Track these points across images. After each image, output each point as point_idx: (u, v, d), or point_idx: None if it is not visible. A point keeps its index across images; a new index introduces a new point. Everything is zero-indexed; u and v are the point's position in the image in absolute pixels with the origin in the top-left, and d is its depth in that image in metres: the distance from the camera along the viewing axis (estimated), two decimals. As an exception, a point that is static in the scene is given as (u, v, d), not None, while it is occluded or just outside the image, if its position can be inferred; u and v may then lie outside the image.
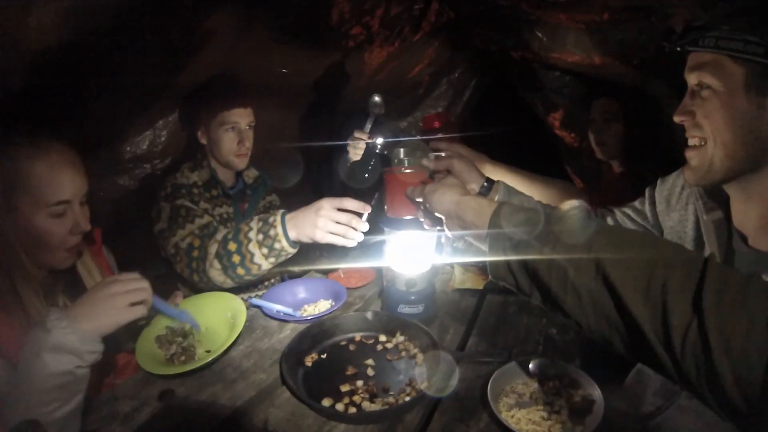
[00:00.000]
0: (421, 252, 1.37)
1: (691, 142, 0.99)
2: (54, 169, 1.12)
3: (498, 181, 1.03)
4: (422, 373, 1.17)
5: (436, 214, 1.07)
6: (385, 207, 1.31)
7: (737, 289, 0.62)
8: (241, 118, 1.80)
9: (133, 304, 1.10)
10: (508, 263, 0.85)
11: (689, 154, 0.99)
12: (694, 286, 0.63)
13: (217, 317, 1.40)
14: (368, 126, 1.91)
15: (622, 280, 0.69)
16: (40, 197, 1.11)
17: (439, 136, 1.29)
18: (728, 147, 0.91)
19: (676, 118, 0.99)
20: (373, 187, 1.35)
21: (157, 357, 1.26)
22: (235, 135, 1.80)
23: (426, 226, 1.15)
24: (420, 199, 1.12)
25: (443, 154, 1.23)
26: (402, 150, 1.26)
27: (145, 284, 1.14)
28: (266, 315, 1.50)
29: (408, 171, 1.21)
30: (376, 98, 1.29)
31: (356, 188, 1.92)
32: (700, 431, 1.00)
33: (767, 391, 0.56)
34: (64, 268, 1.24)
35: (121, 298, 1.08)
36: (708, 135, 0.93)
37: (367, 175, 1.45)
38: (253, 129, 1.87)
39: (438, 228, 1.11)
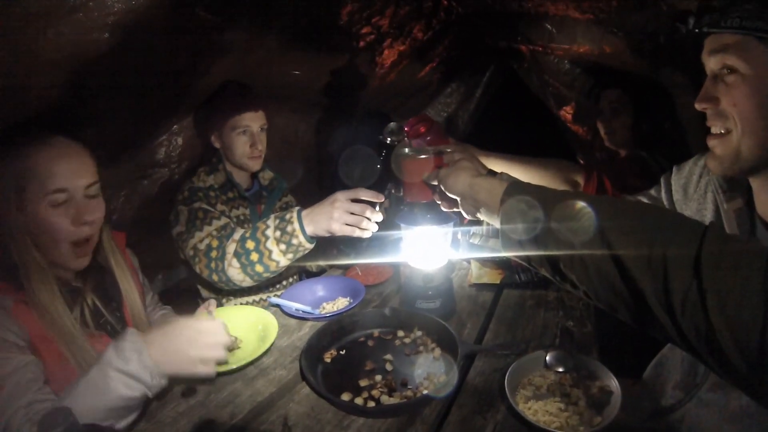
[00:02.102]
0: (437, 247, 1.38)
1: (713, 130, 0.93)
2: (52, 160, 1.14)
3: (501, 172, 1.04)
4: (440, 367, 1.19)
5: (451, 196, 1.09)
6: (403, 193, 1.33)
7: (734, 253, 0.63)
8: (253, 121, 1.81)
9: (205, 361, 1.08)
10: (518, 239, 0.87)
11: (712, 143, 0.93)
12: (694, 251, 0.64)
13: (248, 328, 1.42)
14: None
15: (625, 249, 0.71)
16: (40, 186, 1.12)
17: (428, 139, 1.30)
18: (759, 135, 0.86)
19: (698, 106, 0.93)
20: (384, 180, 1.36)
21: None
22: (247, 138, 1.82)
23: (443, 209, 1.17)
24: (436, 183, 1.14)
25: (448, 150, 1.24)
26: (407, 148, 1.27)
27: (225, 339, 1.12)
28: (285, 313, 1.52)
29: (423, 157, 1.23)
30: (393, 125, 1.28)
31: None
32: (722, 425, 1.00)
33: (765, 352, 0.57)
34: (79, 268, 1.25)
35: (197, 350, 1.07)
36: (735, 123, 0.87)
37: (367, 173, 1.46)
38: (266, 132, 1.88)
39: (454, 210, 1.13)
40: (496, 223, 0.94)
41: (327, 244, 1.50)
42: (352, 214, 1.41)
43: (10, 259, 1.12)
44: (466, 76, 3.04)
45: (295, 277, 2.03)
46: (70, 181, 1.15)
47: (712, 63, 0.91)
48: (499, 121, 3.32)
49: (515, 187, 0.93)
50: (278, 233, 1.47)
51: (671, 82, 1.99)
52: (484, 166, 1.12)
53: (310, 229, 1.45)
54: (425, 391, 1.08)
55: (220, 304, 1.82)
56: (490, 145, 1.56)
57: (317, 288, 1.67)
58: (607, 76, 2.23)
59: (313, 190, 2.68)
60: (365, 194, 1.40)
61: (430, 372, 1.16)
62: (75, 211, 1.17)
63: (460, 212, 1.13)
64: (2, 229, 1.11)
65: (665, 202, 1.24)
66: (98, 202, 1.23)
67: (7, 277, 1.13)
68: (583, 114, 2.71)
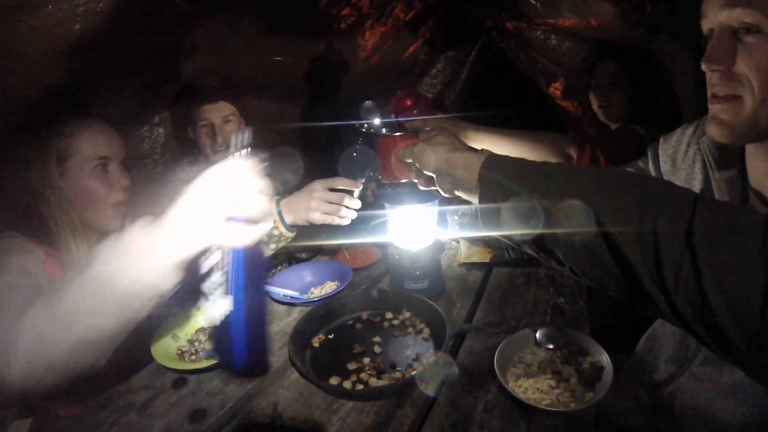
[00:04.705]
0: (422, 227, 1.37)
1: (719, 92, 0.83)
2: (94, 135, 1.34)
3: (482, 149, 0.99)
4: (429, 348, 1.18)
5: (427, 173, 1.04)
6: (380, 174, 1.31)
7: (728, 222, 0.60)
8: (212, 113, 1.77)
9: None
10: (499, 216, 0.82)
11: (717, 107, 0.83)
12: (685, 222, 0.61)
13: None
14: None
15: (613, 222, 0.67)
16: (85, 156, 1.32)
17: (415, 113, 1.28)
18: None
19: (707, 66, 0.82)
20: (363, 164, 1.34)
21: (169, 352, 1.29)
22: (209, 131, 1.79)
23: (420, 187, 1.13)
24: (410, 160, 1.08)
25: (427, 129, 1.21)
26: (385, 129, 1.25)
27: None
28: (274, 300, 1.51)
29: (398, 135, 1.21)
30: (368, 103, 1.24)
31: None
32: (715, 399, 0.99)
33: (765, 326, 0.54)
34: (115, 229, 1.34)
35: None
36: (751, 89, 0.78)
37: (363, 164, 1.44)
38: (233, 122, 1.84)
39: (432, 188, 1.08)
40: (475, 200, 0.89)
41: (314, 228, 1.49)
42: (330, 203, 1.41)
43: (40, 224, 1.28)
44: (451, 56, 3.00)
45: (284, 264, 2.02)
46: (109, 151, 1.36)
47: (724, 17, 0.79)
48: (488, 99, 3.29)
49: (493, 160, 0.88)
50: None
51: (664, 51, 1.95)
52: (463, 143, 1.07)
53: (289, 219, 1.45)
54: (414, 373, 1.07)
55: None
56: (479, 123, 1.54)
57: (305, 273, 1.65)
58: (602, 48, 2.18)
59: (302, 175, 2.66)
60: (342, 183, 1.40)
61: (420, 353, 1.16)
62: (114, 177, 1.37)
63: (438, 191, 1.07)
64: (39, 196, 1.28)
65: (653, 173, 1.21)
66: (126, 174, 1.42)
67: (38, 236, 1.27)
68: (573, 90, 2.68)
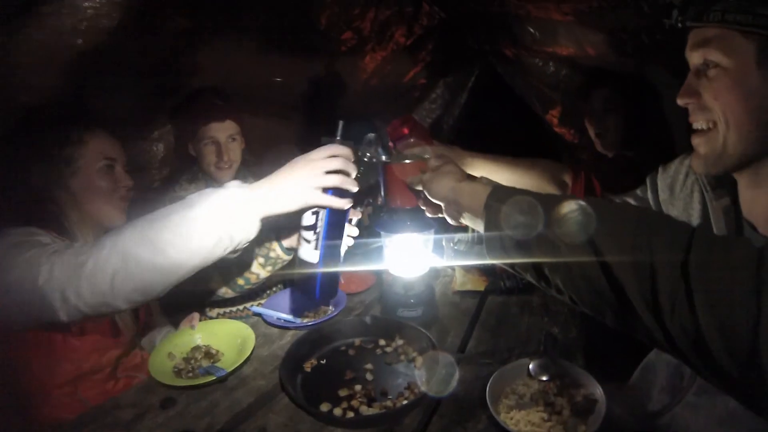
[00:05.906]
0: (417, 255, 1.36)
1: (696, 125, 0.92)
2: (100, 139, 1.43)
3: (480, 177, 1.02)
4: (421, 376, 1.17)
5: (435, 201, 1.07)
6: (386, 200, 1.31)
7: (723, 252, 0.62)
8: (219, 132, 1.78)
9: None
10: (502, 243, 0.85)
11: (696, 141, 0.92)
12: (682, 252, 0.63)
13: (228, 341, 1.40)
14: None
15: (611, 254, 0.69)
16: (94, 156, 1.41)
17: (411, 141, 1.29)
18: (743, 128, 0.84)
19: (680, 101, 0.92)
20: (363, 193, 1.33)
21: (165, 369, 1.29)
22: (214, 149, 1.79)
23: (428, 214, 1.16)
24: (420, 188, 1.12)
25: (426, 156, 1.22)
26: (384, 157, 1.26)
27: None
28: (267, 323, 1.50)
29: (408, 162, 1.21)
30: (370, 136, 1.25)
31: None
32: (710, 429, 0.98)
33: (757, 354, 0.55)
34: (119, 224, 1.39)
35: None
36: (718, 116, 0.86)
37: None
38: (237, 141, 1.85)
39: (438, 215, 1.11)
40: (480, 228, 0.92)
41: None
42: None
43: (52, 219, 1.34)
44: (450, 81, 3.03)
45: (279, 285, 2.00)
46: (115, 153, 1.47)
47: (694, 58, 0.90)
48: (485, 124, 3.30)
49: (499, 191, 0.91)
50: (256, 247, 1.46)
51: (658, 80, 1.97)
52: (463, 171, 1.09)
53: (287, 242, 1.46)
54: (405, 402, 1.06)
55: (203, 314, 1.80)
56: (476, 149, 1.54)
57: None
58: (597, 75, 2.19)
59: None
60: None
61: (411, 382, 1.15)
62: (117, 177, 1.47)
63: (443, 219, 1.10)
64: (47, 196, 1.36)
65: (651, 202, 1.23)
66: (128, 176, 1.52)
67: (51, 229, 1.31)
68: (570, 116, 2.69)
